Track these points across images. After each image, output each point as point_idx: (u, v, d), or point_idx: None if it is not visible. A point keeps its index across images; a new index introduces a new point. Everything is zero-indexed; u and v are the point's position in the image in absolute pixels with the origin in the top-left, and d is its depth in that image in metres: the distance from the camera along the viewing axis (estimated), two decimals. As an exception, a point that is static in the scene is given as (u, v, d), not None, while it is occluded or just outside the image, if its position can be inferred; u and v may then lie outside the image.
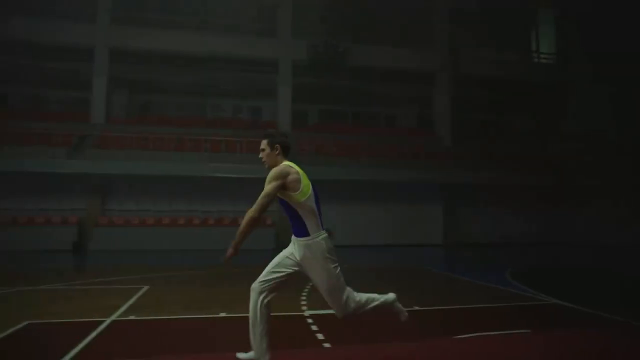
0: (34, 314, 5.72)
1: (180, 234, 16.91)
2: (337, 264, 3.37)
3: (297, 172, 3.29)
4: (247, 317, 3.39)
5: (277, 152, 3.43)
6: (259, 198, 3.17)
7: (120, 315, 5.72)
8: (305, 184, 3.29)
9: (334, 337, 4.71)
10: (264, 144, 3.46)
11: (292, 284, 3.58)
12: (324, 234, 3.33)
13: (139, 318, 5.65)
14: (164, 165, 16.31)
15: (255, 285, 3.35)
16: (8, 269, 11.40)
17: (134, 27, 18.77)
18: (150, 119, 19.77)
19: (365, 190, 18.77)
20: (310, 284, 4.29)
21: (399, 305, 3.67)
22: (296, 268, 3.39)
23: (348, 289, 3.43)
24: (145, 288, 7.81)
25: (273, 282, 3.36)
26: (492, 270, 11.26)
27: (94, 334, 4.78)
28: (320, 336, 4.78)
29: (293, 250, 3.39)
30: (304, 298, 7.12)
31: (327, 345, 4.46)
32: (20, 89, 20.25)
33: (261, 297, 3.31)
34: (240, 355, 3.53)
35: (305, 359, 3.99)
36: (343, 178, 18.02)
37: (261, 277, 3.37)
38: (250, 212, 3.15)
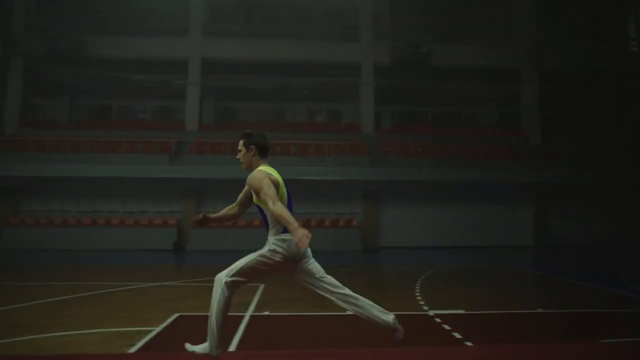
0: (181, 307, 6.29)
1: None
2: (261, 265, 3.38)
3: (276, 179, 3.32)
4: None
5: (253, 152, 3.45)
6: (271, 205, 3.15)
7: (254, 311, 6.12)
8: (282, 190, 3.35)
9: (471, 336, 4.78)
10: (240, 144, 3.48)
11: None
12: (288, 236, 3.29)
13: (273, 314, 6.04)
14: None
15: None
16: (139, 266, 12.50)
17: (223, 38, 19.73)
18: (237, 125, 20.65)
19: (449, 191, 18.50)
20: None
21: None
22: (276, 267, 3.43)
23: (239, 279, 3.37)
24: (262, 286, 8.24)
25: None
26: (602, 273, 10.76)
27: (242, 327, 5.19)
28: (457, 335, 4.87)
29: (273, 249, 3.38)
30: (418, 297, 7.24)
31: (469, 343, 4.55)
32: (120, 101, 22.04)
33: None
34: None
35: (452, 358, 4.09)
36: (426, 179, 17.87)
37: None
38: (275, 206, 3.14)
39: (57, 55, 18.59)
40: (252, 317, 5.78)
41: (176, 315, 5.82)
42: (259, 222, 17.47)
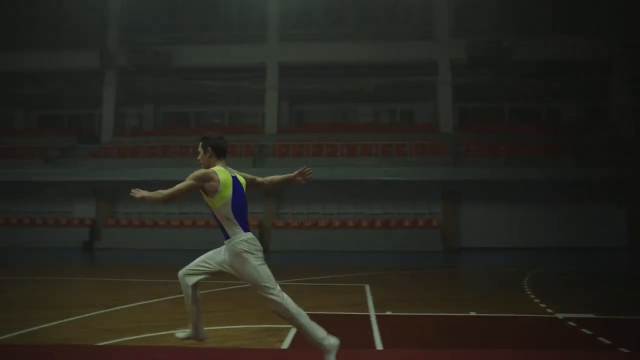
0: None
1: (351, 235, 17.70)
2: (261, 261, 3.49)
3: (219, 180, 3.38)
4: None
5: (209, 154, 3.56)
6: (172, 188, 3.33)
7: (376, 311, 6.23)
8: (224, 191, 3.39)
9: (622, 342, 4.61)
10: (199, 146, 3.61)
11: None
12: (243, 236, 3.44)
13: (395, 314, 6.12)
14: (336, 170, 17.22)
15: (182, 273, 3.59)
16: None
17: (298, 43, 20.15)
18: (313, 127, 21.04)
19: (533, 190, 17.79)
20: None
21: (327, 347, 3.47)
22: (221, 267, 3.56)
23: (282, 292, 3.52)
24: (367, 286, 8.34)
25: (198, 272, 3.58)
26: None
27: (375, 327, 5.30)
28: (604, 340, 4.72)
29: (223, 250, 3.56)
30: (535, 299, 7.06)
31: (623, 350, 4.40)
32: (198, 107, 23.11)
33: (190, 285, 3.55)
34: (178, 334, 3.77)
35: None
36: (508, 177, 17.31)
37: (189, 266, 3.59)
38: (161, 194, 3.35)
39: (145, 67, 19.72)
40: (379, 317, 5.88)
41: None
42: (339, 223, 17.86)
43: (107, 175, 18.27)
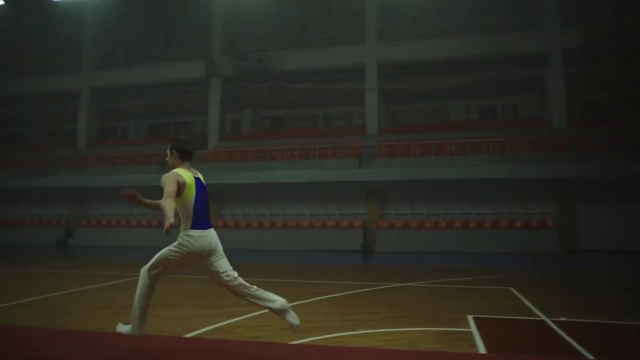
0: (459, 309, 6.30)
1: (456, 236, 17.14)
2: (174, 256, 3.77)
3: (184, 181, 3.72)
4: None
5: (175, 157, 3.91)
6: (163, 200, 3.59)
7: (549, 317, 5.86)
8: (188, 191, 3.73)
9: None
10: (168, 148, 3.96)
11: None
12: (192, 233, 3.74)
13: (570, 320, 5.72)
14: (444, 170, 16.77)
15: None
16: (349, 266, 13.13)
17: (398, 42, 19.90)
18: (415, 127, 20.68)
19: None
20: None
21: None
22: (185, 259, 3.84)
23: (158, 270, 3.86)
24: (512, 289, 7.95)
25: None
26: None
27: (562, 333, 4.97)
28: None
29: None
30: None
31: None
32: (295, 110, 23.62)
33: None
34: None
35: None
36: (631, 174, 15.84)
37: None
38: (165, 201, 3.57)
39: (248, 74, 20.45)
40: (558, 322, 5.52)
41: (470, 316, 5.81)
42: (445, 224, 17.35)
43: (216, 179, 19.09)
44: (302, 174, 17.96)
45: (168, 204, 3.55)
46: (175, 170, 3.82)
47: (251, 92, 21.73)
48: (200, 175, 4.00)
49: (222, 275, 3.93)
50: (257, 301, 4.04)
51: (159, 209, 3.70)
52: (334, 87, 21.41)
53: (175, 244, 3.82)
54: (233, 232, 19.26)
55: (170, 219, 3.40)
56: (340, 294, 7.58)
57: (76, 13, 23.67)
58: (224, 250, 3.99)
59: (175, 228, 3.42)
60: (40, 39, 24.60)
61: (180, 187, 3.72)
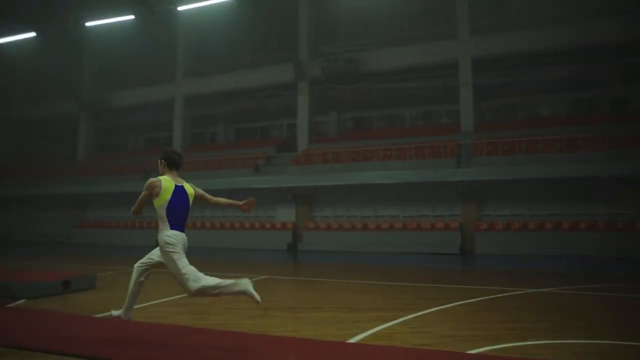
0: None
1: (560, 238, 16.00)
2: (179, 255, 4.23)
3: (161, 186, 4.27)
4: None
5: (163, 165, 4.48)
6: (136, 203, 4.44)
7: None
8: (163, 195, 4.26)
9: None
10: (159, 158, 4.55)
11: None
12: (168, 232, 4.25)
13: None
14: (555, 167, 15.70)
15: (136, 265, 4.71)
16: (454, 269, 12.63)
17: (492, 35, 18.98)
18: (517, 123, 19.64)
19: None
20: None
21: (252, 291, 4.33)
22: (158, 259, 4.51)
23: (197, 275, 4.24)
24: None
25: (146, 264, 4.66)
26: None
27: None
28: None
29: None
30: None
31: None
32: (383, 111, 23.28)
33: (138, 274, 4.68)
34: (114, 312, 4.91)
35: None
36: None
37: (141, 260, 4.68)
38: (132, 210, 4.48)
39: (337, 75, 20.42)
40: None
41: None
42: (552, 226, 16.17)
43: (306, 181, 19.22)
44: (397, 174, 17.61)
45: (136, 206, 4.47)
46: (160, 177, 4.42)
47: (339, 93, 21.69)
48: (184, 184, 4.52)
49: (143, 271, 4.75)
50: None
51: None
52: (422, 85, 20.82)
53: (165, 247, 4.27)
54: (324, 235, 19.31)
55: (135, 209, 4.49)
56: (478, 299, 7.16)
57: (170, 26, 24.91)
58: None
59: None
60: (138, 53, 26.17)
61: (156, 191, 4.30)
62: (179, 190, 4.41)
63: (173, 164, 4.50)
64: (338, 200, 20.13)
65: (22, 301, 6.82)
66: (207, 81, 24.28)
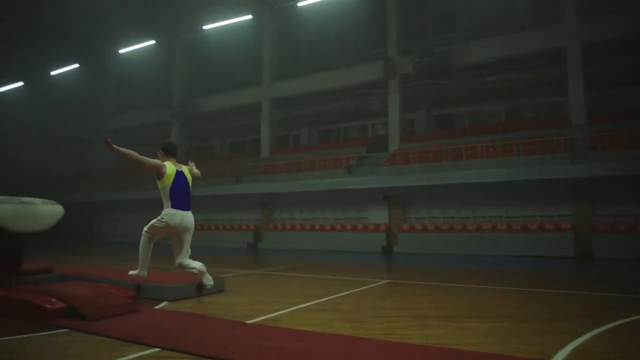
0: None
1: None
2: (157, 226, 5.37)
3: (165, 170, 5.24)
4: None
5: (162, 154, 5.49)
6: (143, 157, 5.21)
7: None
8: (167, 177, 5.23)
9: None
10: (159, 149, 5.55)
11: None
12: (168, 209, 5.27)
13: None
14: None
15: (144, 231, 5.49)
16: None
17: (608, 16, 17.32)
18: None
19: None
20: None
21: (206, 276, 5.60)
22: (164, 230, 5.44)
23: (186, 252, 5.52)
24: None
25: (154, 234, 5.51)
26: None
27: None
28: None
29: None
30: None
31: None
32: (478, 106, 22.09)
33: (147, 239, 5.54)
34: (130, 272, 5.80)
35: None
36: None
37: (146, 227, 5.46)
38: (132, 154, 5.15)
39: (430, 70, 19.60)
40: None
41: None
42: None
43: (404, 181, 18.57)
44: (499, 172, 16.50)
45: (131, 151, 5.17)
46: (164, 162, 5.34)
47: (431, 89, 20.82)
48: (183, 169, 5.51)
49: (176, 251, 5.54)
50: (187, 270, 5.65)
51: (125, 154, 5.12)
52: (523, 77, 19.41)
53: (159, 217, 5.33)
54: (420, 236, 18.58)
55: (119, 148, 5.10)
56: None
57: (254, 30, 25.28)
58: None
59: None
60: (226, 58, 26.83)
61: (161, 173, 5.22)
62: (180, 175, 5.39)
63: (170, 152, 5.50)
64: (433, 201, 19.32)
65: (164, 303, 6.83)
66: (294, 83, 24.32)
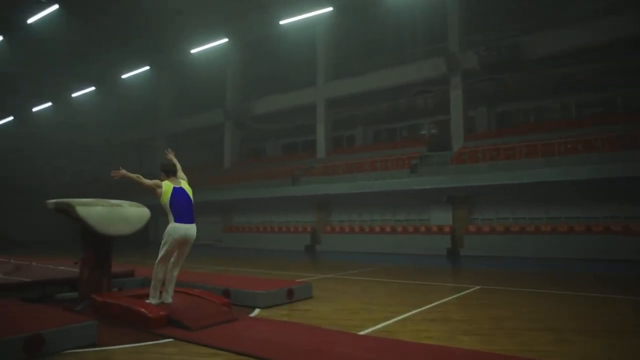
0: None
1: None
2: (165, 243, 5.56)
3: (162, 188, 5.63)
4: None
5: (163, 175, 5.83)
6: (146, 180, 5.75)
7: None
8: (164, 194, 5.59)
9: None
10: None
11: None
12: (171, 224, 5.53)
13: None
14: None
15: (157, 263, 5.66)
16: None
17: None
18: None
19: None
20: None
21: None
22: (174, 244, 5.61)
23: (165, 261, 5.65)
24: None
25: (167, 257, 5.66)
26: None
27: None
28: None
29: None
30: None
31: None
32: (540, 101, 20.93)
33: (162, 265, 5.66)
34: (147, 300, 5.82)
35: None
36: None
37: (157, 259, 5.67)
38: (139, 179, 5.74)
39: (493, 65, 18.64)
40: None
41: None
42: None
43: (469, 181, 17.69)
44: (582, 170, 15.36)
45: (137, 175, 5.76)
46: (163, 181, 5.71)
47: (493, 84, 19.83)
48: (182, 184, 5.83)
49: (181, 257, 5.80)
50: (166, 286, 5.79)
51: (131, 178, 5.70)
52: (602, 67, 18.07)
53: (163, 240, 5.57)
54: (488, 238, 17.65)
55: (127, 174, 5.72)
56: None
57: (308, 31, 25.03)
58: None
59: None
60: (279, 59, 26.71)
61: (157, 193, 5.61)
62: (178, 190, 5.70)
63: (170, 172, 5.88)
64: (501, 201, 18.33)
65: (257, 311, 6.47)
66: (349, 83, 23.83)
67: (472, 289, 8.52)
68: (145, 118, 33.42)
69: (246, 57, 28.42)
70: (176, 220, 5.51)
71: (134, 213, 6.97)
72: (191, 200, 5.81)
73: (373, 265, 13.88)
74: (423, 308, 6.62)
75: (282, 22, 21.97)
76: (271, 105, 26.71)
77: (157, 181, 5.71)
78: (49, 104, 31.80)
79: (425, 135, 24.37)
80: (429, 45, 22.41)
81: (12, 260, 10.81)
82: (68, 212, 6.52)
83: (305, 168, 23.78)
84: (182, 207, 5.62)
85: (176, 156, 6.37)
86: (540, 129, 19.65)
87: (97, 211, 6.47)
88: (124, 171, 5.73)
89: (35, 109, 32.34)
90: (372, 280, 10.10)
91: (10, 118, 32.75)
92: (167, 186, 5.64)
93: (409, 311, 6.36)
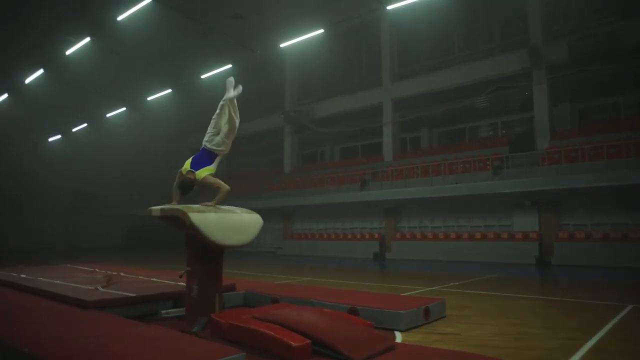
0: None
1: None
2: None
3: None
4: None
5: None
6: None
7: None
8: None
9: None
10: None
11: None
12: None
13: None
14: None
15: None
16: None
17: None
18: None
19: None
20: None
21: None
22: None
23: None
24: None
25: None
26: None
27: None
28: None
29: None
30: None
31: None
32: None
33: None
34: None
35: None
36: None
37: None
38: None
39: (585, 56, 16.99)
40: None
41: None
42: None
43: (557, 184, 16.13)
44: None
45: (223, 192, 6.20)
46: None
47: (579, 78, 18.11)
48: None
49: None
50: None
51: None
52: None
53: None
54: (581, 246, 16.04)
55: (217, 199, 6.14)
56: None
57: (373, 29, 24.05)
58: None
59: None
60: (339, 61, 25.89)
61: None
62: None
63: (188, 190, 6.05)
64: (594, 205, 16.64)
65: (399, 335, 5.49)
66: (417, 82, 22.67)
67: (627, 309, 7.22)
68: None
69: (305, 59, 27.73)
70: None
71: (249, 220, 6.18)
72: None
73: (470, 277, 12.66)
74: (600, 335, 5.45)
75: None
76: (334, 107, 25.82)
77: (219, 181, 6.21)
78: (123, 109, 31.69)
79: (501, 136, 22.75)
80: (504, 39, 20.91)
81: (96, 269, 10.34)
82: (178, 220, 5.81)
83: (373, 172, 22.75)
84: None
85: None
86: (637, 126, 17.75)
87: (211, 218, 5.70)
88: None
89: (108, 115, 32.40)
90: (492, 295, 8.92)
91: (84, 125, 33.45)
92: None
93: (588, 339, 5.21)
